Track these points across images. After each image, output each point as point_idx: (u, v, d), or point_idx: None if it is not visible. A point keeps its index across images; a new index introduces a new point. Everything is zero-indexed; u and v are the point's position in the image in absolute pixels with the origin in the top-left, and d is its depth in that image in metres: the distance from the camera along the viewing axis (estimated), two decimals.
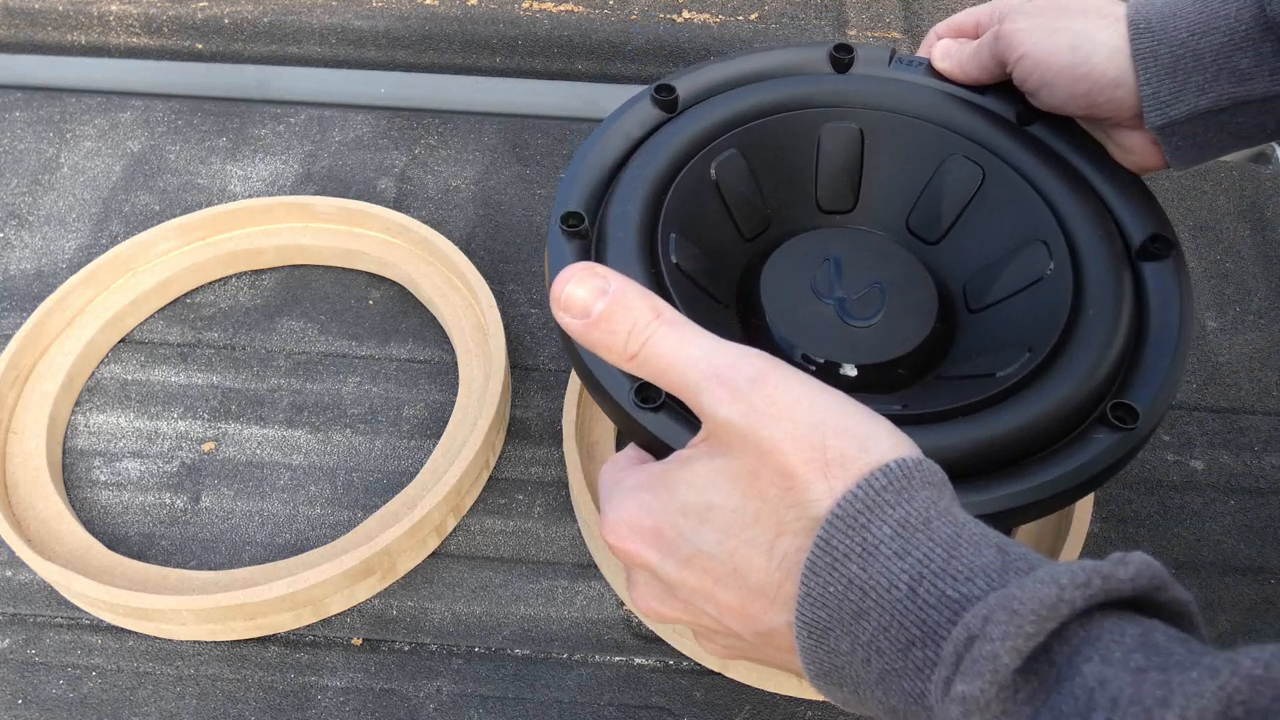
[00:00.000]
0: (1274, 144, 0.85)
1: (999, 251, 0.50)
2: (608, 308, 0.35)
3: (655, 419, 0.42)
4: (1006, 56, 0.50)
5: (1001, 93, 0.53)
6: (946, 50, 0.54)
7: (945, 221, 0.52)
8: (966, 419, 0.42)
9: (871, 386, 0.47)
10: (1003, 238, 0.50)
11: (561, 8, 0.90)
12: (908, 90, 0.53)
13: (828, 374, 0.47)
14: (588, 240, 0.48)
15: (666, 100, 0.52)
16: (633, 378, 0.42)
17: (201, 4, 0.89)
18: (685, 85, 0.54)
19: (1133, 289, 0.47)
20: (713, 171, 0.51)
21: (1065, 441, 0.43)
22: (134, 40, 0.90)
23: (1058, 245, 0.47)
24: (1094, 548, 0.60)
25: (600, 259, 0.46)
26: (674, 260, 0.47)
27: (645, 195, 0.48)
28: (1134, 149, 0.50)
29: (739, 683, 0.56)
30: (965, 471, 0.41)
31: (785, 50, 0.55)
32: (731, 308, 0.50)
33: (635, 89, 0.89)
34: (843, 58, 0.54)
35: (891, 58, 0.55)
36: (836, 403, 0.33)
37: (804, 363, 0.47)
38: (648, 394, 0.42)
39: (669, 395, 0.42)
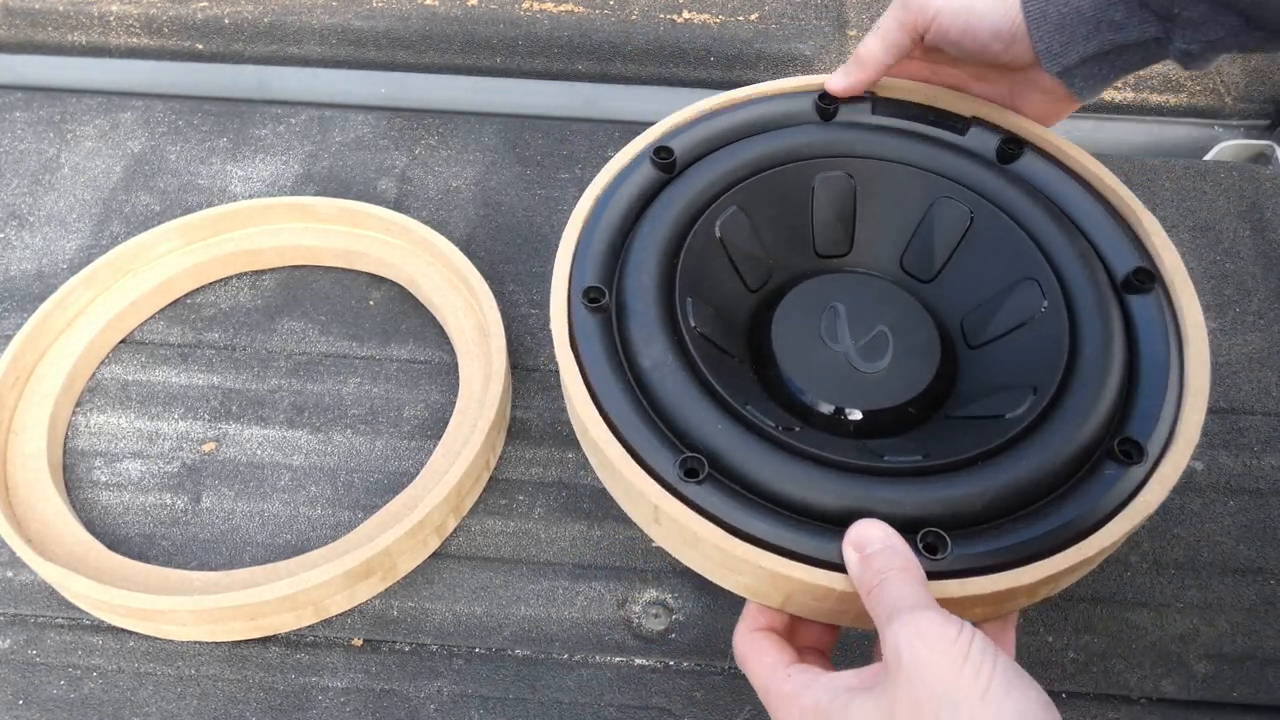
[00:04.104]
0: (1274, 145, 0.85)
1: (993, 289, 0.51)
2: (875, 553, 0.40)
3: (701, 493, 0.43)
4: (919, 19, 0.52)
5: (979, 134, 0.55)
6: (841, 72, 0.56)
7: (938, 261, 0.54)
8: (987, 465, 0.43)
9: (884, 429, 0.49)
10: (995, 275, 0.51)
11: (561, 8, 0.90)
12: (892, 137, 0.55)
13: (848, 421, 0.49)
14: (608, 313, 0.49)
15: (666, 163, 0.54)
16: (678, 454, 0.44)
17: (201, 4, 0.89)
18: (681, 144, 0.55)
19: (1123, 324, 0.48)
20: (718, 231, 0.52)
21: (1076, 479, 0.44)
22: (134, 40, 0.90)
23: (1048, 282, 0.49)
24: None
25: (623, 330, 0.48)
26: (693, 325, 0.48)
27: (657, 263, 0.49)
28: (1044, 89, 0.54)
29: (739, 683, 0.56)
30: (988, 516, 0.42)
31: (773, 101, 0.57)
32: (746, 361, 0.52)
33: (635, 89, 0.89)
34: (827, 106, 0.56)
35: (874, 105, 0.57)
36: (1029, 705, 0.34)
37: (821, 413, 0.49)
38: (692, 468, 0.43)
39: (713, 469, 0.43)
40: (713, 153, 0.55)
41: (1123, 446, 0.44)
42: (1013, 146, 0.54)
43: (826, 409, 0.49)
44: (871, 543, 0.40)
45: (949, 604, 0.41)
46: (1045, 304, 0.48)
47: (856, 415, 0.49)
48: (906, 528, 0.41)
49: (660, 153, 0.54)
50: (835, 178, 0.54)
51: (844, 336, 0.51)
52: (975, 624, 0.44)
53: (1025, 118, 0.55)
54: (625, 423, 0.45)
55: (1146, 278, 0.49)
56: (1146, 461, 0.44)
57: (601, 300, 0.49)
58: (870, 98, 0.57)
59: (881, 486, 0.43)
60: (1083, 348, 0.46)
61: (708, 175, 0.53)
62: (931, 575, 0.40)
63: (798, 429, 0.48)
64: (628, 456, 0.44)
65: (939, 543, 0.41)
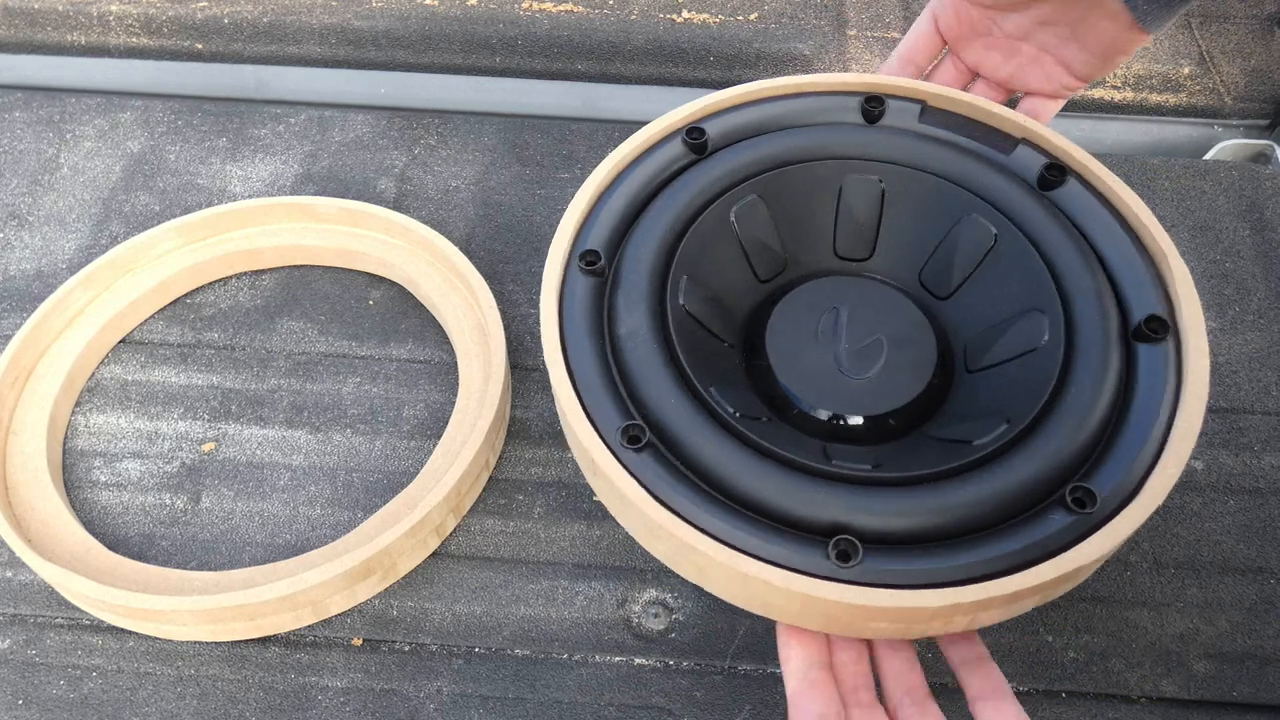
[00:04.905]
0: (1274, 144, 0.85)
1: (1001, 315, 0.51)
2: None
3: (638, 459, 0.44)
4: None
5: (1025, 154, 0.53)
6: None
7: (956, 279, 0.53)
8: (929, 487, 0.43)
9: (857, 436, 0.49)
10: (1007, 302, 0.51)
11: (561, 8, 0.90)
12: (931, 146, 0.54)
13: (818, 421, 0.49)
14: (603, 278, 0.49)
15: (697, 143, 0.53)
16: (626, 419, 0.44)
17: (201, 4, 0.89)
18: (716, 128, 0.54)
19: (1121, 370, 0.46)
20: (732, 216, 0.52)
21: (1022, 518, 0.43)
22: (134, 40, 0.90)
23: (1055, 317, 0.48)
24: None
25: (611, 299, 0.48)
26: (680, 303, 0.49)
27: (662, 239, 0.50)
28: (1106, 13, 0.52)
29: (739, 682, 0.56)
30: (919, 538, 0.42)
31: (818, 98, 0.56)
32: (737, 347, 0.52)
33: (635, 89, 0.89)
34: (873, 110, 0.55)
35: (923, 112, 0.55)
36: None
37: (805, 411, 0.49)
38: (634, 434, 0.44)
39: (654, 436, 0.44)
40: (747, 139, 0.54)
41: (1075, 494, 0.42)
42: (1056, 173, 0.52)
43: (801, 406, 0.49)
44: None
45: (849, 611, 0.41)
46: (1046, 338, 0.48)
47: (824, 416, 0.49)
48: (826, 531, 0.42)
49: (693, 133, 0.54)
50: (865, 181, 0.54)
51: (839, 339, 0.51)
52: (936, 637, 0.44)
53: (1070, 142, 0.53)
54: (586, 381, 0.46)
55: (1159, 327, 0.47)
56: (1097, 514, 0.42)
57: (597, 264, 0.49)
58: (921, 104, 0.55)
59: (811, 486, 0.43)
60: (1069, 388, 0.45)
61: (735, 161, 0.53)
62: (838, 581, 0.40)
63: (764, 419, 0.48)
64: (580, 411, 0.45)
65: (851, 550, 0.41)
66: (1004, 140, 0.54)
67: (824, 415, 0.49)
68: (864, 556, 0.41)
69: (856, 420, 0.49)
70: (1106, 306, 0.48)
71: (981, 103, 0.55)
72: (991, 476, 0.43)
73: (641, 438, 0.44)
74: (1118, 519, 0.42)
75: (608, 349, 0.47)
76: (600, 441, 0.44)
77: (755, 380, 0.51)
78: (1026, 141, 0.54)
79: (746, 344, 0.52)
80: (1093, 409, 0.45)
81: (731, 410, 0.46)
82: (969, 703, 0.43)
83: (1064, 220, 0.51)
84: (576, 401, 0.45)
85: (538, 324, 0.71)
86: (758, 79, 0.56)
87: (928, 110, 0.56)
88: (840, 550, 0.41)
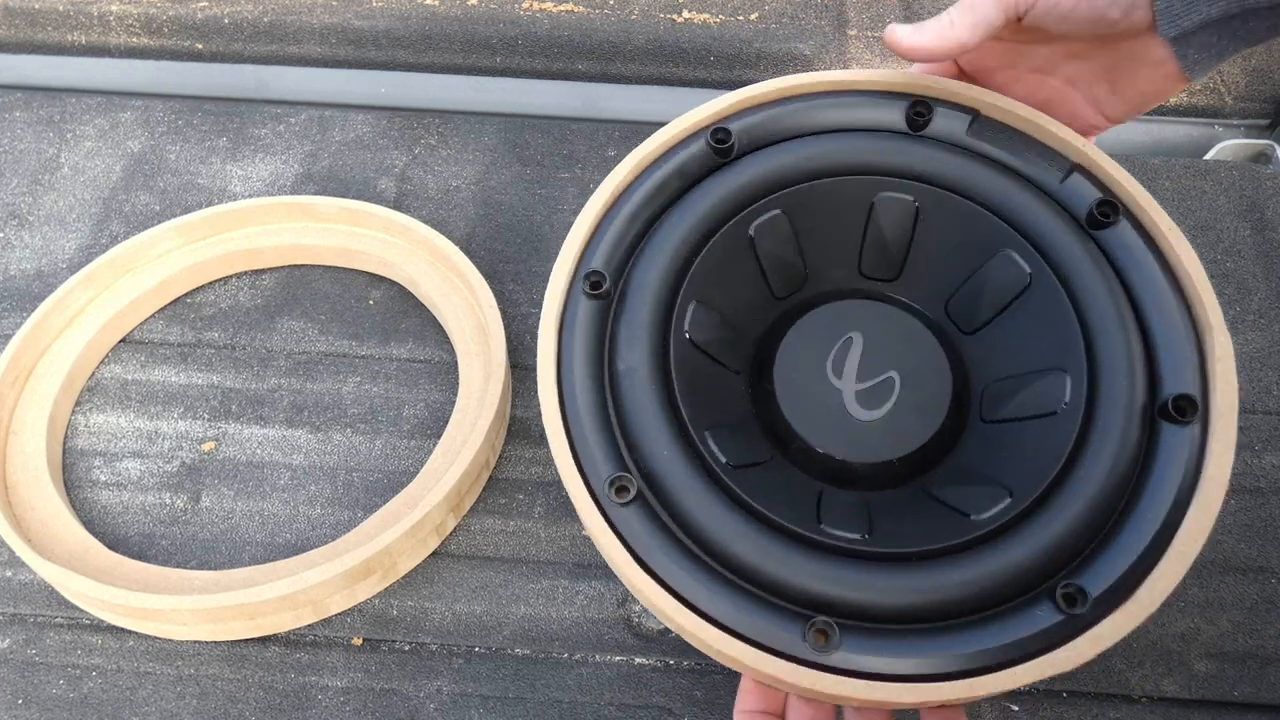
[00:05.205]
0: (1274, 144, 0.85)
1: (1025, 365, 0.47)
2: None
3: (623, 514, 0.42)
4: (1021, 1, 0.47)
5: (1077, 185, 0.49)
6: (915, 29, 0.48)
7: (983, 316, 0.49)
8: (920, 566, 0.41)
9: (859, 479, 0.47)
10: (1032, 352, 0.47)
11: (561, 8, 0.90)
12: (974, 167, 0.49)
13: (818, 459, 0.47)
14: (608, 301, 0.46)
15: (722, 147, 0.49)
16: (617, 468, 0.42)
17: (201, 4, 0.89)
18: (744, 128, 0.50)
19: (1138, 451, 0.42)
20: (752, 231, 0.49)
21: (1008, 608, 0.40)
22: (134, 40, 0.90)
23: (1079, 380, 0.44)
24: None
25: (614, 329, 0.45)
26: (686, 335, 0.46)
27: (672, 260, 0.46)
28: (1153, 63, 0.48)
29: (739, 682, 0.56)
30: (902, 619, 0.40)
31: (862, 99, 0.51)
32: (744, 373, 0.49)
33: (635, 89, 0.89)
34: (920, 118, 0.50)
35: (974, 120, 0.50)
36: None
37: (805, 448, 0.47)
38: (623, 485, 0.42)
39: (644, 485, 0.42)
40: (776, 144, 0.50)
41: (1066, 589, 0.40)
42: (1108, 212, 0.47)
43: (801, 443, 0.47)
44: None
45: (815, 694, 0.40)
46: (1065, 402, 0.44)
47: (824, 454, 0.47)
48: (808, 605, 0.40)
49: (718, 134, 0.49)
50: (898, 201, 0.49)
51: (848, 374, 0.48)
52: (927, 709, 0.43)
53: (1128, 175, 0.48)
54: (579, 423, 0.43)
55: (1188, 410, 0.42)
56: (1085, 615, 0.39)
57: (602, 287, 0.46)
58: (972, 114, 0.50)
59: (797, 556, 0.41)
60: (1080, 466, 0.42)
61: (761, 170, 0.49)
62: (809, 664, 0.39)
63: (763, 461, 0.46)
64: (569, 460, 0.43)
65: (829, 632, 0.39)
66: (1057, 163, 0.49)
67: (824, 453, 0.47)
68: (841, 640, 0.39)
69: (856, 463, 0.46)
70: (1136, 376, 0.43)
71: (1039, 117, 0.50)
72: (985, 560, 0.41)
73: (630, 489, 0.42)
74: (1103, 624, 0.39)
75: (606, 386, 0.44)
76: (586, 493, 0.42)
77: (760, 408, 0.48)
78: (1081, 169, 0.49)
79: (755, 366, 0.49)
80: (1101, 494, 0.41)
81: (725, 460, 0.44)
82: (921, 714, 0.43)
83: (1107, 270, 0.46)
84: (567, 448, 0.43)
85: (538, 323, 0.71)
86: (759, 79, 0.53)
87: (979, 120, 0.50)
88: (818, 630, 0.39)
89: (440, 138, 0.82)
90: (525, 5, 0.90)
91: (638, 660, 0.57)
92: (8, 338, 0.69)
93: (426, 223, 0.72)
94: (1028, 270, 0.47)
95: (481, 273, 0.68)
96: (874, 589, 0.40)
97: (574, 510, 0.43)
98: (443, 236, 0.70)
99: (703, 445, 0.43)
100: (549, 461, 0.64)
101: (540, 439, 0.65)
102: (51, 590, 0.59)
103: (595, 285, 0.46)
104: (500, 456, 0.64)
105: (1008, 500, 0.42)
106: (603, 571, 0.60)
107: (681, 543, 0.42)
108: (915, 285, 0.51)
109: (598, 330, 0.45)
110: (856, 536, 0.42)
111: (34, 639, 0.58)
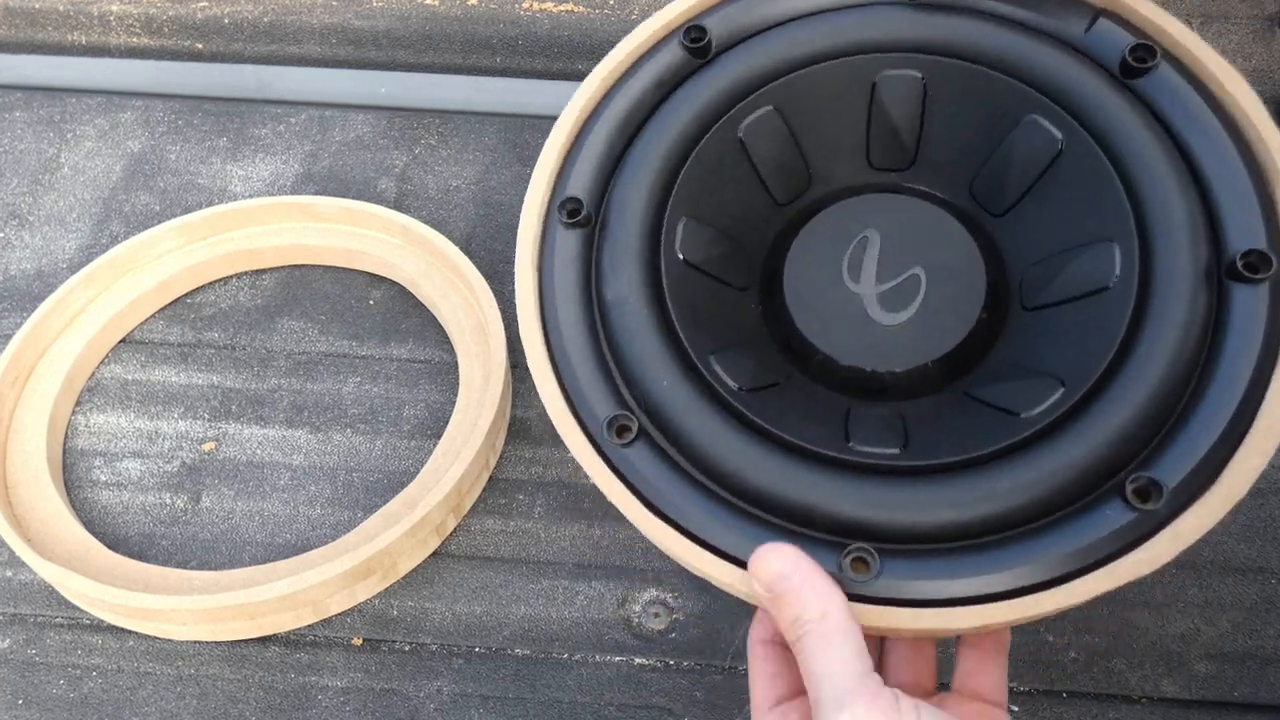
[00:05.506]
0: None
1: (1066, 241, 0.42)
2: (782, 593, 0.35)
3: (627, 456, 0.38)
4: None
5: (1106, 31, 0.42)
6: None
7: (1012, 194, 0.44)
8: (965, 476, 0.37)
9: (888, 390, 0.42)
10: (1073, 226, 0.41)
11: (561, 8, 0.90)
12: (984, 28, 0.44)
13: (842, 373, 0.42)
14: (591, 228, 0.42)
15: (698, 46, 0.44)
16: (617, 406, 0.39)
17: (201, 4, 0.89)
18: (722, 24, 0.45)
19: (1207, 319, 0.37)
20: (741, 133, 0.44)
21: (1068, 512, 0.36)
22: (134, 40, 0.90)
23: (1129, 250, 0.39)
24: None
25: (598, 258, 0.41)
26: (679, 255, 0.42)
27: (654, 177, 0.42)
28: None
29: (739, 682, 0.56)
30: (941, 537, 0.36)
31: None
32: (752, 289, 0.45)
33: None
34: None
35: None
36: None
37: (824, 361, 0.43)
38: (623, 425, 0.38)
39: (648, 422, 0.39)
40: (758, 35, 0.45)
41: (1136, 484, 0.35)
42: (1144, 57, 0.41)
43: (820, 356, 0.42)
44: (777, 580, 0.35)
45: (865, 629, 0.36)
46: (1116, 275, 0.39)
47: (848, 367, 0.42)
48: (842, 532, 0.36)
49: (692, 33, 0.44)
50: (903, 77, 0.44)
51: (867, 276, 0.43)
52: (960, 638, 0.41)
53: (1165, 13, 0.42)
54: (568, 363, 0.40)
55: (1260, 265, 0.37)
56: (1161, 509, 0.35)
57: (581, 214, 0.42)
58: None
59: (825, 480, 0.37)
60: (1139, 344, 0.37)
61: (745, 65, 0.44)
62: (852, 597, 0.35)
63: (780, 382, 0.42)
64: (561, 402, 0.39)
65: (869, 560, 0.35)
66: (1081, 12, 0.43)
67: (848, 365, 0.42)
68: (883, 567, 0.35)
69: (884, 372, 0.42)
70: (1198, 236, 0.38)
71: None
72: (1040, 460, 0.36)
73: (631, 428, 0.38)
74: (1184, 518, 0.35)
75: (597, 319, 0.41)
76: (584, 438, 0.39)
77: (772, 324, 0.44)
78: (1108, 13, 0.43)
79: (764, 280, 0.44)
80: (1168, 373, 0.36)
81: (734, 385, 0.40)
82: (958, 641, 0.41)
83: (1150, 120, 0.40)
84: (558, 392, 0.39)
85: None
86: None
87: None
88: (855, 559, 0.35)
89: (440, 138, 0.82)
90: (525, 5, 0.90)
91: (638, 660, 0.57)
92: (8, 338, 0.69)
93: (426, 223, 0.72)
94: (1058, 135, 0.42)
95: (481, 273, 0.68)
96: (914, 506, 0.36)
97: (574, 456, 0.39)
98: (443, 236, 0.70)
99: (707, 371, 0.39)
100: (549, 462, 0.64)
101: (540, 439, 0.65)
102: (51, 590, 0.59)
103: (573, 214, 0.42)
104: (500, 456, 0.64)
105: (1060, 391, 0.38)
106: (603, 571, 0.60)
107: (695, 479, 0.38)
108: (933, 171, 0.46)
109: (581, 262, 0.42)
110: (892, 451, 0.38)
111: (34, 639, 0.58)
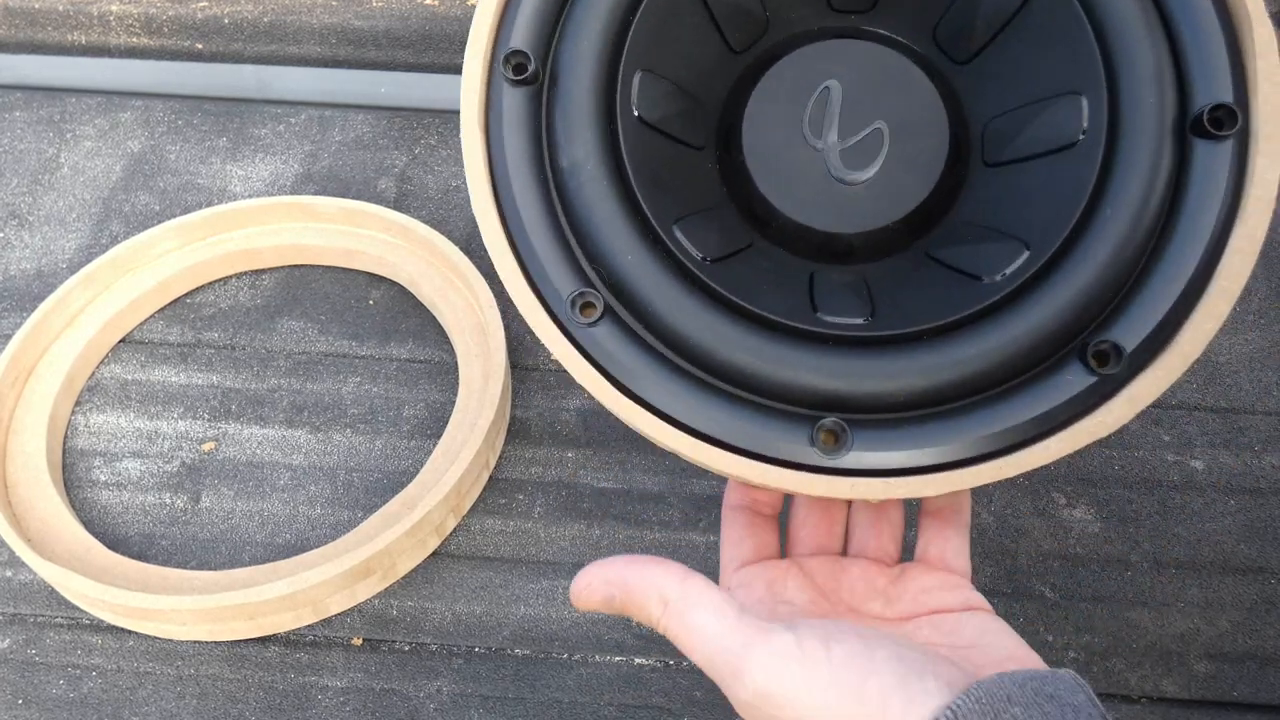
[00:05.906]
0: None
1: (1032, 94, 0.40)
2: (620, 606, 0.35)
3: (592, 335, 0.37)
4: None
5: None
6: None
7: (979, 40, 0.42)
8: (932, 343, 0.36)
9: (853, 252, 0.41)
10: (1040, 76, 0.40)
11: None
12: None
13: (804, 235, 0.41)
14: (538, 86, 0.39)
15: None
16: (579, 283, 0.37)
17: (201, 4, 0.89)
18: None
19: (1170, 176, 0.36)
20: None
21: (1031, 375, 0.36)
22: (134, 40, 0.90)
23: (1097, 104, 0.37)
24: (1095, 547, 0.60)
25: (549, 119, 0.38)
26: (636, 113, 0.39)
27: (604, 27, 0.39)
28: None
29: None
30: (916, 404, 0.36)
31: None
32: (709, 148, 0.42)
33: None
34: None
35: None
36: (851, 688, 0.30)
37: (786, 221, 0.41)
38: (588, 302, 0.37)
39: (612, 298, 0.37)
40: None
41: (1099, 348, 0.35)
42: None
43: (782, 218, 0.41)
44: (605, 602, 0.35)
45: (838, 500, 0.36)
46: (1084, 131, 0.38)
47: (810, 228, 0.41)
48: (813, 405, 0.36)
49: None
50: None
51: (829, 130, 0.41)
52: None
53: None
54: (524, 238, 0.38)
55: (1226, 121, 0.36)
56: (1121, 373, 0.35)
57: (527, 70, 0.38)
58: None
59: (796, 352, 0.36)
60: (1104, 207, 0.36)
61: None
62: (822, 470, 0.36)
63: (743, 248, 0.41)
64: (520, 277, 0.37)
65: (839, 433, 0.35)
66: None
67: (810, 227, 0.41)
68: (854, 439, 0.35)
69: (848, 234, 0.41)
70: (1165, 90, 0.37)
71: None
72: (1006, 325, 0.36)
73: (596, 305, 0.37)
74: (1139, 381, 0.35)
75: (552, 188, 0.38)
76: (547, 317, 0.37)
77: (732, 186, 0.42)
78: None
79: (721, 137, 0.42)
80: (1130, 233, 0.36)
81: (699, 255, 0.38)
82: (920, 513, 0.41)
83: None
84: (517, 269, 0.37)
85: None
86: None
87: None
88: (826, 432, 0.35)
89: (440, 138, 0.82)
90: None
91: (637, 660, 0.57)
92: (8, 338, 0.69)
93: (426, 223, 0.72)
94: None
95: (481, 273, 0.68)
96: (883, 376, 0.36)
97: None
98: (443, 236, 0.70)
99: (672, 242, 0.38)
100: (549, 462, 0.64)
101: (540, 439, 0.65)
102: (51, 590, 0.59)
103: (519, 69, 0.38)
104: (500, 456, 0.64)
105: (1025, 255, 0.37)
106: None
107: (663, 356, 0.37)
108: (895, 12, 0.43)
109: (530, 124, 0.39)
110: (859, 321, 0.38)
111: (34, 639, 0.58)
